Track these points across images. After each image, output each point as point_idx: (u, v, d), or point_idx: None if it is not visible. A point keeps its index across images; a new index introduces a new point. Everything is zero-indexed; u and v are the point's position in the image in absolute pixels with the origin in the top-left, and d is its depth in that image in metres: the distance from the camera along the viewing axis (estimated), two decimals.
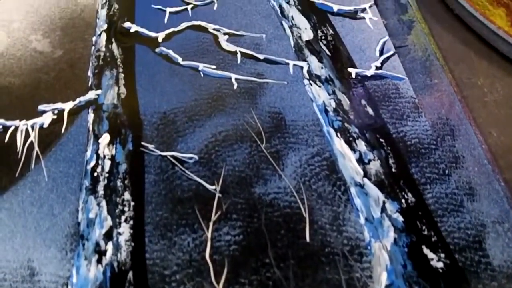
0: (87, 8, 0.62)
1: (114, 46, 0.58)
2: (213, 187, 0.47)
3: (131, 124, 0.51)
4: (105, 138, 0.50)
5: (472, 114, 0.57)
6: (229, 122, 0.52)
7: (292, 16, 0.62)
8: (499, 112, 0.57)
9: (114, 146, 0.49)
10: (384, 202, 0.46)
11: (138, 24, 0.60)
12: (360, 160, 0.49)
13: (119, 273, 0.42)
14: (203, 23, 0.61)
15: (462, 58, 0.63)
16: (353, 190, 0.47)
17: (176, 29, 0.60)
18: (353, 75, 0.56)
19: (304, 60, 0.58)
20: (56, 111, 0.52)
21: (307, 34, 0.60)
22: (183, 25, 0.60)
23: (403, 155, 0.50)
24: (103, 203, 0.45)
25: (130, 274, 0.41)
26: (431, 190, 0.47)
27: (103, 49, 0.57)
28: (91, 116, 0.52)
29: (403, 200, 0.46)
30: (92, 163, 0.48)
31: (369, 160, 0.49)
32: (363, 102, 0.54)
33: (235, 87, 0.55)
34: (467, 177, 0.50)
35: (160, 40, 0.58)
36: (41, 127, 0.51)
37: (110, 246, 0.43)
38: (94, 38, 0.59)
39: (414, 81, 0.58)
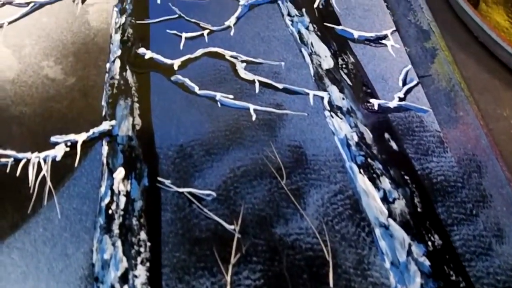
0: (100, 33, 0.61)
1: (128, 73, 0.57)
2: (232, 226, 0.46)
3: (146, 158, 0.51)
4: (120, 172, 0.49)
5: (498, 148, 0.56)
6: (248, 156, 0.51)
7: (311, 43, 0.61)
8: None
9: (129, 181, 0.49)
10: (410, 245, 0.45)
11: (153, 49, 0.60)
12: (385, 199, 0.49)
13: None
14: (220, 50, 0.60)
15: (487, 88, 0.62)
16: (377, 231, 0.46)
17: (192, 56, 0.60)
18: (376, 107, 0.56)
19: (325, 90, 0.57)
20: (69, 143, 0.51)
21: (327, 62, 0.60)
22: (200, 51, 0.60)
23: (428, 193, 0.49)
24: (119, 243, 0.45)
25: None
26: (458, 231, 0.47)
27: (117, 76, 0.57)
28: (105, 149, 0.51)
29: (429, 243, 0.46)
30: (107, 200, 0.47)
31: (394, 199, 0.48)
32: (387, 136, 0.53)
33: (253, 118, 0.54)
34: (495, 217, 0.49)
35: (176, 67, 0.58)
36: (53, 160, 0.50)
37: None
38: (108, 65, 0.58)
39: (438, 113, 0.57)
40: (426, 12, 0.66)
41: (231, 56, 0.60)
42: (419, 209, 0.48)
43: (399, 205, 0.48)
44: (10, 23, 0.62)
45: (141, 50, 0.60)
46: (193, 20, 0.64)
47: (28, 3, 0.64)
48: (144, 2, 0.65)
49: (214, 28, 0.63)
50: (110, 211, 0.47)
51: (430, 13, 0.66)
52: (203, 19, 0.64)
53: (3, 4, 0.64)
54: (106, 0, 0.64)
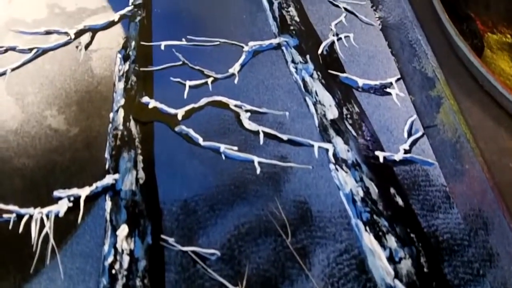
0: (104, 80, 0.63)
1: (132, 124, 0.59)
2: None
3: (150, 214, 0.52)
4: (124, 230, 0.50)
5: (505, 201, 0.57)
6: (253, 212, 0.52)
7: (316, 92, 0.63)
8: None
9: (133, 239, 0.50)
10: None
11: (157, 98, 0.61)
12: (391, 259, 0.50)
13: None
14: (224, 99, 0.62)
15: (493, 137, 0.63)
16: None
17: (196, 106, 0.61)
18: (381, 159, 0.57)
19: (329, 141, 0.58)
20: (72, 198, 0.52)
21: (332, 112, 0.61)
22: (203, 100, 0.61)
23: (435, 252, 0.50)
24: None
25: None
26: None
27: (121, 127, 0.58)
28: (108, 204, 0.52)
29: None
30: (110, 259, 0.48)
31: (400, 259, 0.49)
32: (392, 191, 0.54)
33: (258, 171, 0.55)
34: (502, 277, 0.50)
35: (179, 117, 0.59)
36: (56, 216, 0.51)
37: None
38: (111, 115, 0.60)
39: (444, 166, 0.58)
40: (431, 59, 0.68)
41: (235, 106, 0.61)
42: (425, 269, 0.49)
43: (406, 265, 0.49)
44: (13, 70, 0.64)
45: (145, 99, 0.61)
46: (197, 67, 0.65)
47: (31, 49, 0.65)
48: (147, 48, 0.67)
49: (218, 76, 0.64)
50: (113, 271, 0.48)
51: (435, 59, 0.68)
52: (207, 65, 0.66)
53: (6, 50, 0.65)
54: (109, 46, 0.66)
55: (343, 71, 0.66)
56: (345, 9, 0.74)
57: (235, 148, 0.58)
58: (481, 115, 0.65)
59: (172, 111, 0.61)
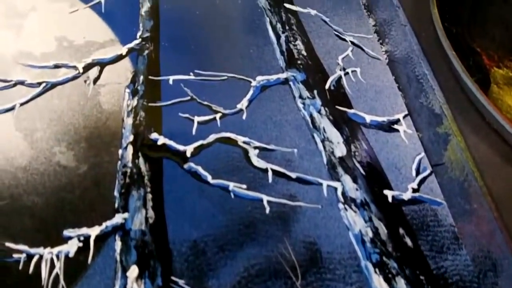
0: (112, 116, 0.64)
1: (141, 161, 0.60)
2: None
3: (160, 255, 0.53)
4: (134, 271, 0.51)
5: None
6: (262, 254, 0.54)
7: (324, 128, 0.65)
8: None
9: (143, 280, 0.51)
10: None
11: (165, 134, 0.63)
12: None
13: None
14: (232, 135, 0.63)
15: (500, 175, 0.65)
16: None
17: (205, 142, 0.62)
18: (390, 199, 0.58)
19: (338, 179, 0.60)
20: (82, 238, 0.54)
21: (340, 149, 0.63)
22: (212, 137, 0.63)
23: None
24: None
25: None
26: None
27: (130, 164, 0.60)
28: (118, 245, 0.54)
29: None
30: None
31: None
32: (401, 231, 0.56)
33: (267, 211, 0.57)
34: None
35: (188, 154, 0.61)
36: (66, 256, 0.53)
37: None
38: (120, 151, 0.61)
39: (452, 205, 0.60)
40: (438, 94, 0.69)
41: (244, 142, 0.63)
42: None
43: None
44: (21, 104, 0.65)
45: (154, 136, 0.63)
46: (205, 103, 0.67)
47: (39, 83, 0.67)
48: (156, 82, 0.68)
49: (226, 112, 0.66)
50: None
51: (442, 95, 0.69)
52: (215, 100, 0.67)
53: (15, 84, 0.67)
54: (118, 80, 0.68)
55: (351, 107, 0.68)
56: (352, 42, 0.76)
57: (244, 186, 0.59)
58: (488, 152, 0.67)
59: (181, 148, 0.62)
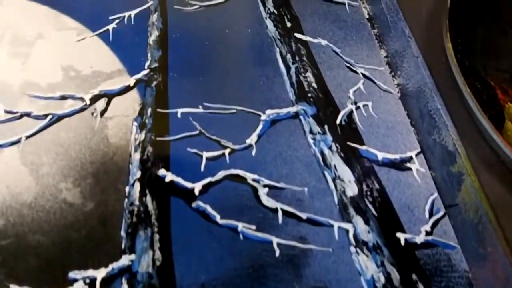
0: (120, 150, 0.65)
1: (148, 199, 0.60)
2: None
3: None
4: None
5: None
6: None
7: (335, 166, 0.65)
8: None
9: None
10: None
11: (173, 170, 0.63)
12: None
13: None
14: (241, 173, 0.63)
15: None
16: None
17: (213, 179, 0.63)
18: (402, 242, 0.58)
19: (350, 221, 0.60)
20: (87, 280, 0.53)
21: (352, 189, 0.63)
22: (221, 174, 0.63)
23: None
24: None
25: None
26: None
27: (137, 202, 0.60)
28: None
29: None
30: None
31: None
32: (414, 277, 0.56)
33: (277, 254, 0.56)
34: None
35: (196, 192, 0.61)
36: None
37: None
38: (127, 188, 0.61)
39: (466, 249, 0.60)
40: (451, 130, 0.69)
41: (253, 180, 0.63)
42: None
43: None
44: (27, 137, 0.65)
45: (161, 172, 0.63)
46: (214, 137, 0.67)
47: (46, 115, 0.67)
48: (164, 115, 0.68)
49: (235, 147, 0.66)
50: None
51: (455, 131, 0.69)
52: (224, 134, 0.67)
53: (21, 116, 0.67)
54: (125, 113, 0.68)
55: (362, 143, 0.68)
56: (363, 75, 0.76)
57: (253, 227, 0.59)
58: (503, 192, 0.67)
59: (189, 185, 0.62)
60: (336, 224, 0.60)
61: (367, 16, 0.87)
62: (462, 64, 0.76)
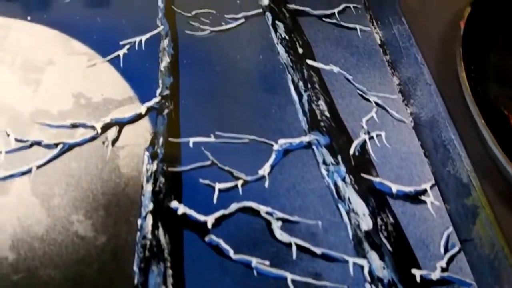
0: (131, 181, 0.65)
1: (160, 232, 0.60)
2: None
3: None
4: None
5: None
6: None
7: (349, 198, 0.65)
8: None
9: None
10: None
11: (185, 202, 0.63)
12: None
13: None
14: (254, 205, 0.64)
15: None
16: None
17: (226, 212, 0.63)
18: (418, 279, 0.58)
19: (364, 256, 0.60)
20: None
21: (366, 223, 0.63)
22: (233, 206, 0.63)
23: None
24: None
25: None
26: None
27: (149, 236, 0.60)
28: None
29: None
30: None
31: None
32: None
33: None
34: None
35: (209, 225, 0.61)
36: None
37: None
38: (139, 221, 0.61)
39: (482, 286, 0.60)
40: (465, 161, 0.70)
41: (267, 213, 0.63)
42: None
43: None
44: (38, 167, 0.66)
45: (174, 204, 0.63)
46: (226, 168, 0.67)
47: (56, 144, 0.68)
48: (176, 145, 0.69)
49: (248, 178, 0.66)
50: None
51: (469, 162, 0.70)
52: (236, 165, 0.68)
53: (32, 145, 0.68)
54: (136, 142, 0.68)
55: (376, 175, 0.69)
56: (376, 103, 0.76)
57: (267, 263, 0.59)
58: None
59: (201, 218, 0.62)
60: (351, 260, 0.60)
61: (379, 42, 0.87)
62: (475, 92, 0.76)
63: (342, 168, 0.69)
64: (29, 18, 0.84)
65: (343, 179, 0.68)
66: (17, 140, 0.69)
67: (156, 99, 0.75)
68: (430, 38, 0.89)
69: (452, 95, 0.79)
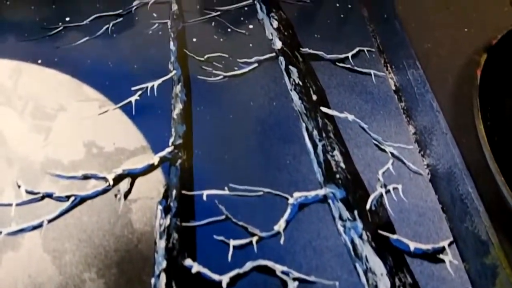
0: (144, 237, 0.65)
1: None
2: None
3: None
4: None
5: None
6: None
7: (366, 257, 0.65)
8: None
9: None
10: None
11: (199, 260, 0.64)
12: None
13: None
14: (270, 264, 0.64)
15: None
16: None
17: (241, 271, 0.63)
18: None
19: None
20: None
21: (384, 283, 0.63)
22: (249, 265, 0.63)
23: None
24: None
25: None
26: None
27: None
28: None
29: None
30: None
31: None
32: None
33: None
34: None
35: (224, 285, 0.61)
36: None
37: None
38: (152, 280, 0.62)
39: None
40: (483, 216, 0.70)
41: (282, 272, 0.63)
42: None
43: None
44: (49, 221, 0.66)
45: (188, 262, 0.63)
46: (240, 223, 0.67)
47: (68, 197, 0.68)
48: (189, 198, 0.69)
49: (263, 235, 0.67)
50: None
51: (487, 218, 0.70)
52: (251, 219, 0.68)
53: (43, 197, 0.68)
54: (149, 195, 0.69)
55: (393, 231, 0.69)
56: (392, 154, 0.77)
57: None
58: None
59: (216, 277, 0.63)
60: None
61: (393, 88, 0.88)
62: (491, 140, 0.77)
63: (359, 225, 0.69)
64: (39, 61, 0.84)
65: (360, 236, 0.68)
66: (28, 192, 0.70)
67: (169, 148, 0.76)
68: (445, 81, 0.90)
69: (468, 143, 0.80)
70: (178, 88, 0.83)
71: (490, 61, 0.88)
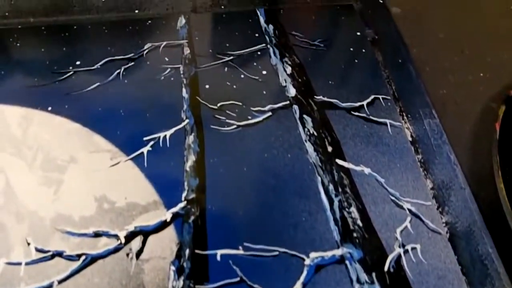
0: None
1: None
2: None
3: None
4: None
5: None
6: None
7: None
8: None
9: None
10: None
11: None
12: None
13: None
14: None
15: None
16: None
17: None
18: None
19: None
20: None
21: None
22: None
23: None
24: None
25: None
26: None
27: None
28: None
29: None
30: None
31: None
32: None
33: None
34: None
35: None
36: None
37: None
38: None
39: None
40: (504, 279, 0.70)
41: None
42: None
43: None
44: (59, 282, 0.65)
45: None
46: (256, 286, 0.67)
47: (79, 256, 0.68)
48: (203, 257, 0.69)
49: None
50: None
51: (508, 279, 0.69)
52: (266, 281, 0.68)
53: (53, 256, 0.68)
54: (162, 254, 0.68)
55: None
56: (410, 211, 0.76)
57: None
58: None
59: None
60: None
61: (410, 139, 0.88)
62: (510, 195, 0.77)
63: None
64: (49, 108, 0.84)
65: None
66: (37, 250, 0.70)
67: (182, 204, 0.76)
68: (462, 132, 0.91)
69: (487, 198, 0.80)
70: (191, 139, 0.83)
71: (509, 112, 0.89)
